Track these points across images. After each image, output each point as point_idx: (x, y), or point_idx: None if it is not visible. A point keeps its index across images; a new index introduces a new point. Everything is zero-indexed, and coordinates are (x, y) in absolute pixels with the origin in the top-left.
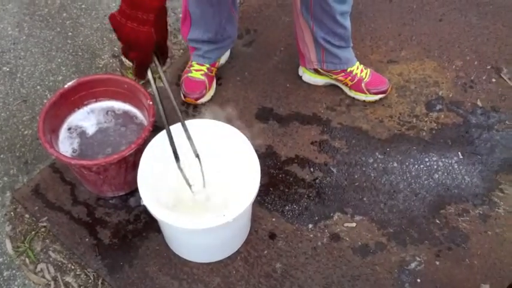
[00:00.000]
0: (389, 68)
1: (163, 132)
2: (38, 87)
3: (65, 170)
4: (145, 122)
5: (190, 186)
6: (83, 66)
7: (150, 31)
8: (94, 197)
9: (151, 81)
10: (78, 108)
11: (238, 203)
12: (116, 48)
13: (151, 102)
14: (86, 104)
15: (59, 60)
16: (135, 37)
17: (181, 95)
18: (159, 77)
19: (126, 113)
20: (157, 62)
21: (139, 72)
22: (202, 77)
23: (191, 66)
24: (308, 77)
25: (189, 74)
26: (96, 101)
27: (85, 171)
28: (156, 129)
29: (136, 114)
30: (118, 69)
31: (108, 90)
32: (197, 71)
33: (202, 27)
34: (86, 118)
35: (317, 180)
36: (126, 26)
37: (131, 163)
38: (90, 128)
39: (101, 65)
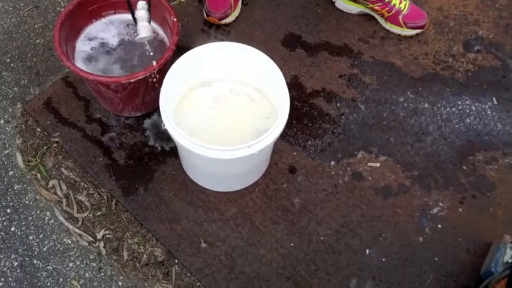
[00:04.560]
0: (428, 1)
1: (187, 54)
2: None
3: (79, 85)
4: (166, 40)
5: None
6: None
7: None
8: (109, 116)
9: None
10: (96, 20)
11: (264, 135)
12: None
13: (175, 19)
14: (104, 16)
15: None
16: None
17: (204, 13)
18: None
19: None
20: None
21: None
22: None
23: None
24: (342, 3)
25: None
26: (115, 13)
27: (102, 88)
28: (179, 49)
29: (157, 30)
30: None
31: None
32: None
33: None
34: (106, 29)
35: (343, 116)
36: None
37: (151, 83)
38: (112, 39)
39: None
